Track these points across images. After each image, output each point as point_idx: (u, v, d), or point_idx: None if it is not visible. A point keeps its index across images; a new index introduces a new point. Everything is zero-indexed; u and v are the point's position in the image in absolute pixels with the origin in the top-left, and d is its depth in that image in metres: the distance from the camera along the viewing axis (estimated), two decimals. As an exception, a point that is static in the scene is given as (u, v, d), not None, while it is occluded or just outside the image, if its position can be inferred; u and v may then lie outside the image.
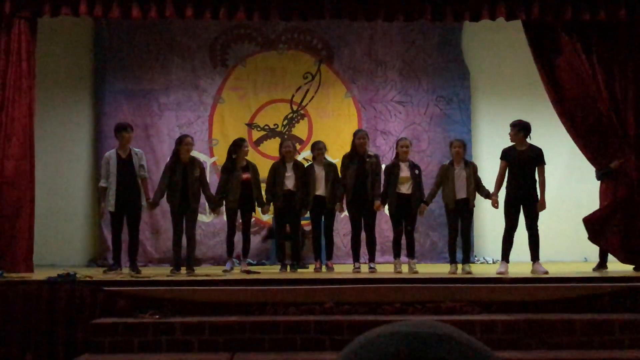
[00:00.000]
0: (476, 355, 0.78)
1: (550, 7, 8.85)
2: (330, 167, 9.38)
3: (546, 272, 8.02)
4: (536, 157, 8.57)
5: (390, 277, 7.94)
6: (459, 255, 8.89)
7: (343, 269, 9.70)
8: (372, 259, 9.16)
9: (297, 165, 9.51)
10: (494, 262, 11.18)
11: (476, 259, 11.43)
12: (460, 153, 8.84)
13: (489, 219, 11.15)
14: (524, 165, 8.54)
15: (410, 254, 8.98)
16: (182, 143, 8.92)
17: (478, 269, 9.66)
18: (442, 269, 9.23)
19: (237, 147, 9.32)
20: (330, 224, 9.43)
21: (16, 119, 8.76)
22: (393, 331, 0.80)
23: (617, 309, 7.03)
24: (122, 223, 8.93)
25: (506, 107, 11.70)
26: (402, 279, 7.79)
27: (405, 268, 8.89)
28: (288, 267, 9.27)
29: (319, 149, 9.49)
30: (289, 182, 9.29)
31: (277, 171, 9.34)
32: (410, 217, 9.03)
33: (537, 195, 8.55)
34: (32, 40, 8.99)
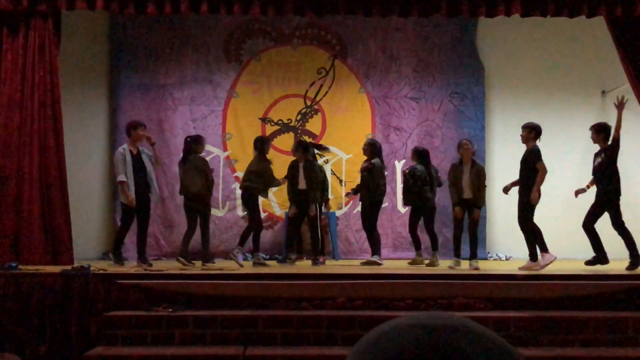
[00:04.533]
0: (493, 346, 0.78)
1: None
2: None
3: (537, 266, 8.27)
4: (534, 157, 8.58)
5: (403, 273, 7.95)
6: (466, 250, 9.02)
7: (355, 264, 9.75)
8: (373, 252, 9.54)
9: (307, 165, 9.61)
10: (507, 259, 11.17)
11: (489, 255, 11.41)
12: (470, 152, 8.97)
13: (501, 216, 11.13)
14: (523, 165, 8.60)
15: (433, 247, 9.54)
16: (200, 144, 9.40)
17: (491, 266, 9.66)
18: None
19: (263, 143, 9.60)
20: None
21: (36, 118, 8.90)
22: (410, 323, 0.80)
23: (630, 306, 7.00)
24: (133, 218, 9.06)
25: (520, 103, 11.66)
26: (414, 274, 7.79)
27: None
28: (293, 262, 9.44)
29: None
30: (301, 182, 9.44)
31: (294, 170, 9.52)
32: (426, 215, 9.62)
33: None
34: (55, 36, 9.08)
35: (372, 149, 9.55)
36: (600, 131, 8.70)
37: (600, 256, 8.47)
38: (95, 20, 11.31)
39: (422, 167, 9.57)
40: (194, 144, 9.32)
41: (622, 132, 8.41)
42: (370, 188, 9.36)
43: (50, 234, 8.88)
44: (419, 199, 9.54)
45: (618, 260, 8.86)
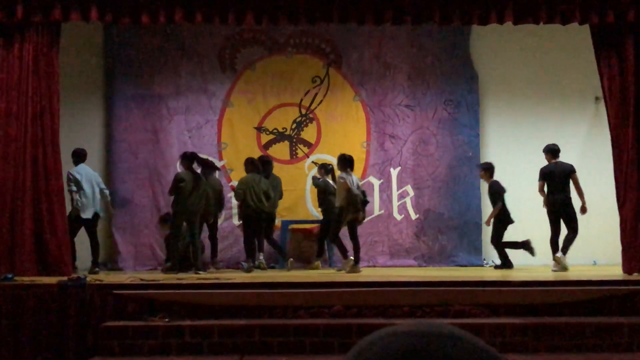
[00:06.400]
0: (481, 354, 0.80)
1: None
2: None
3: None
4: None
5: (399, 281, 7.96)
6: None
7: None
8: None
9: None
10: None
11: (485, 262, 11.44)
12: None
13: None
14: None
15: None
16: (213, 169, 10.37)
17: (487, 272, 9.68)
18: (451, 272, 9.25)
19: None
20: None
21: (31, 129, 8.90)
22: (400, 331, 0.81)
23: (626, 312, 7.02)
24: None
25: (514, 110, 11.71)
26: (410, 282, 7.80)
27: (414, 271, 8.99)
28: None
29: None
30: None
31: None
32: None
33: None
34: (50, 47, 9.09)
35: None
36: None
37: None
38: (90, 31, 11.31)
39: (323, 180, 10.33)
40: (207, 170, 10.13)
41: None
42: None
43: (45, 246, 8.86)
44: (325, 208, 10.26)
45: (613, 265, 8.88)
